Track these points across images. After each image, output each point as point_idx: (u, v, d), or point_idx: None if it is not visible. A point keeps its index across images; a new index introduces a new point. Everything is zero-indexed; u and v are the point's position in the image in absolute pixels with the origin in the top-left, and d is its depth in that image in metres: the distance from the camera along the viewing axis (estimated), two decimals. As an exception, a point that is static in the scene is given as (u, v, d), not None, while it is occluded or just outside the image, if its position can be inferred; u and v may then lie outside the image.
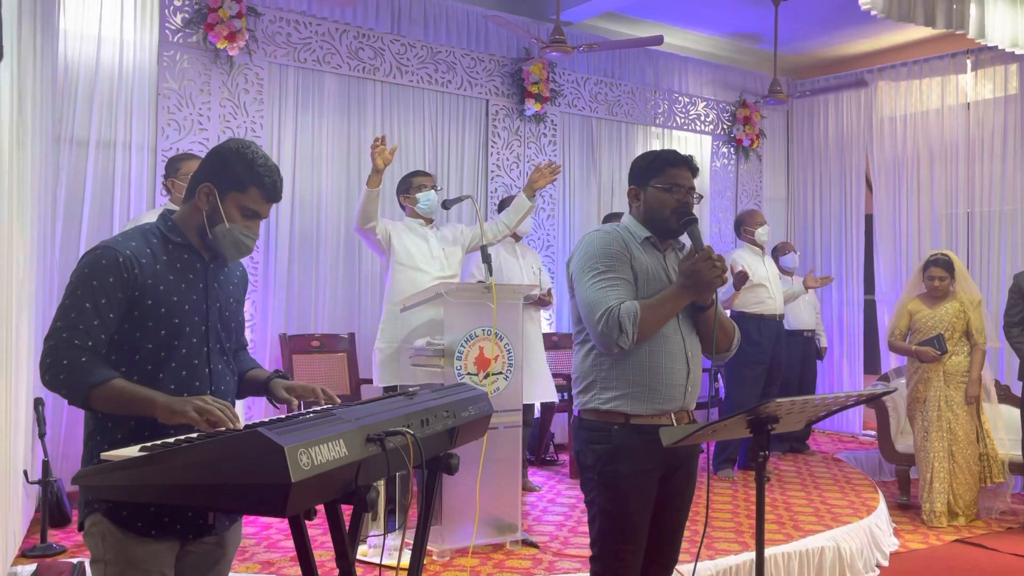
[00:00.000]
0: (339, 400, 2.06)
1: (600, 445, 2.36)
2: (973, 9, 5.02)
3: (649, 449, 2.30)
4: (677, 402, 2.38)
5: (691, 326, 2.44)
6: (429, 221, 4.50)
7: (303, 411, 2.00)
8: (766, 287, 5.65)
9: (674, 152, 2.47)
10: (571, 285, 2.45)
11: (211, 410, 1.75)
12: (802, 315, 6.40)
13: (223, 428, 1.73)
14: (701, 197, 2.53)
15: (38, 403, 3.82)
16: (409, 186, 4.48)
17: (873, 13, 4.88)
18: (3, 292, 3.01)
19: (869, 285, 7.46)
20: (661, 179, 2.41)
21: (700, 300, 2.37)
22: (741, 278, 5.32)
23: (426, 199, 4.41)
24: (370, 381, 4.58)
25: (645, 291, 2.36)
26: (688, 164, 2.45)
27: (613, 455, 2.33)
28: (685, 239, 2.47)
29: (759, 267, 5.68)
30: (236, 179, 1.94)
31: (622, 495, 2.34)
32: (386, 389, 4.18)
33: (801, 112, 8.01)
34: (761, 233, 5.77)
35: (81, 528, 1.90)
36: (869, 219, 7.47)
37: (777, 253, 6.44)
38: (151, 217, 2.04)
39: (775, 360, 5.70)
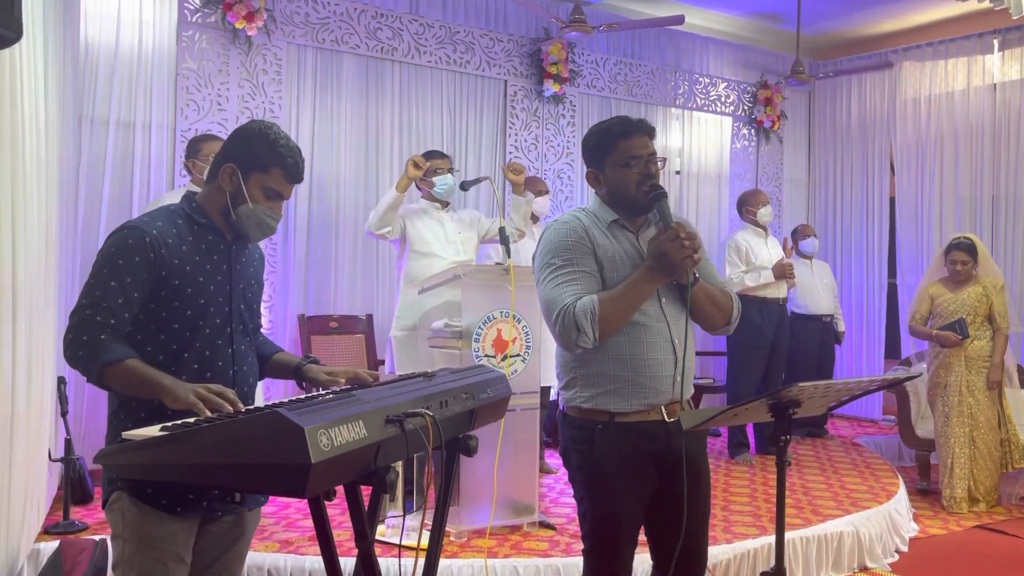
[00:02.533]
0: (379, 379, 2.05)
1: (584, 445, 2.21)
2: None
3: (637, 447, 2.17)
4: (665, 395, 2.19)
5: (679, 310, 2.22)
6: (445, 204, 4.45)
7: (322, 392, 2.00)
8: (768, 270, 5.52)
9: (623, 120, 2.24)
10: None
11: (209, 397, 1.74)
12: (821, 300, 6.30)
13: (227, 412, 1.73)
14: (665, 160, 2.31)
15: (60, 382, 3.86)
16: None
17: None
18: (29, 272, 3.03)
19: (892, 269, 7.39)
20: (615, 156, 2.21)
21: (676, 279, 2.18)
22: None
23: (443, 183, 4.33)
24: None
25: (612, 280, 2.17)
26: (641, 128, 2.22)
27: (598, 457, 2.19)
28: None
29: (762, 249, 5.59)
30: (259, 160, 1.96)
31: (610, 497, 2.19)
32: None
33: (823, 93, 7.90)
34: (764, 214, 5.62)
35: (105, 504, 1.92)
36: (893, 202, 7.38)
37: (797, 237, 6.37)
38: (174, 197, 2.05)
39: (776, 345, 5.59)
